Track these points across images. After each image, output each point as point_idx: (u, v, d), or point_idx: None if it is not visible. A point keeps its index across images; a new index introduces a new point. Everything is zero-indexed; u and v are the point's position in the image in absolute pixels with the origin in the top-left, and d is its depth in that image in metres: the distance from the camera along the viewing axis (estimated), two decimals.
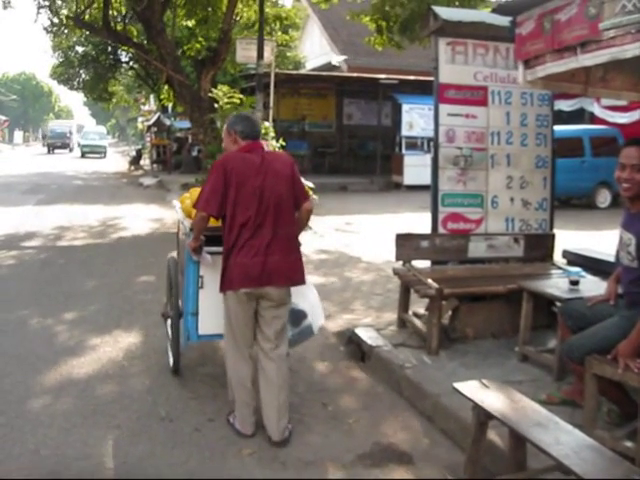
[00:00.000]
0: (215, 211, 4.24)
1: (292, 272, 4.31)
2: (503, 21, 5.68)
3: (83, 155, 49.44)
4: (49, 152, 55.13)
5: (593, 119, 18.95)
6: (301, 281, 4.39)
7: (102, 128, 63.20)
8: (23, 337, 6.35)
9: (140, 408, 4.79)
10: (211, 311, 4.80)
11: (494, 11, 6.18)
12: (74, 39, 30.26)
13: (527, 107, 6.59)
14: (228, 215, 4.24)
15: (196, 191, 5.00)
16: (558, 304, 5.05)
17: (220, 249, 4.37)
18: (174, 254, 6.06)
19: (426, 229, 6.69)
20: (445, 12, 6.42)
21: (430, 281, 5.67)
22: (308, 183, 13.98)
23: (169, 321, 5.41)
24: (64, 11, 22.16)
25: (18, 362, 5.67)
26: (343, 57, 28.16)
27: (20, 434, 4.35)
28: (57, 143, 57.19)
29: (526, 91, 6.46)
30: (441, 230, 6.42)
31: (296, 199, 4.39)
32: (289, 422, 4.36)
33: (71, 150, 58.43)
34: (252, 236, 4.17)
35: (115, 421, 4.58)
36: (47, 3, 21.48)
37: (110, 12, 19.37)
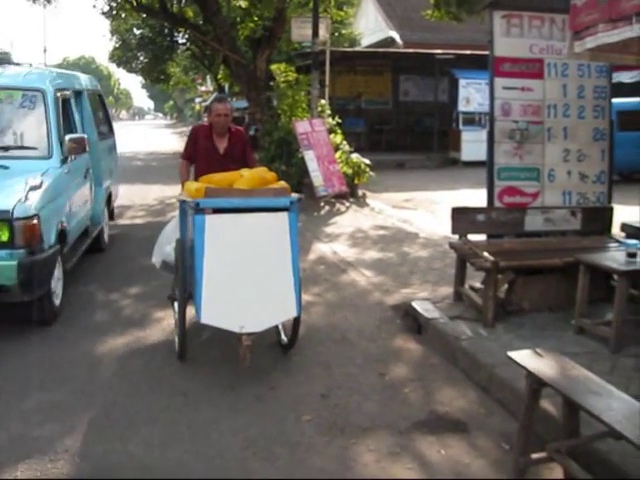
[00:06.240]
0: None
1: None
2: None
3: None
4: None
5: None
6: None
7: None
8: (91, 310, 6.64)
9: (203, 377, 5.00)
10: None
11: None
12: (132, 22, 30.73)
13: (584, 79, 6.53)
14: None
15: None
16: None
17: None
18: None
19: (484, 205, 6.70)
20: None
21: (486, 254, 5.71)
22: (365, 160, 14.10)
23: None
24: None
25: (86, 333, 5.95)
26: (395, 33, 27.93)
27: (90, 398, 4.61)
28: None
29: (583, 63, 6.39)
30: (497, 204, 6.44)
31: None
32: None
33: None
34: None
35: (180, 389, 4.79)
36: None
37: None
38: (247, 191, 5.10)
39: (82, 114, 8.70)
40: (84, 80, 9.70)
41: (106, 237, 9.42)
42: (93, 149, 8.47)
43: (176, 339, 5.39)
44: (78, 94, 8.74)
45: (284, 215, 4.93)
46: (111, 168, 10.24)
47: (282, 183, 5.48)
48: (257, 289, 4.88)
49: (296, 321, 5.17)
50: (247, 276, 4.88)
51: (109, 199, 9.81)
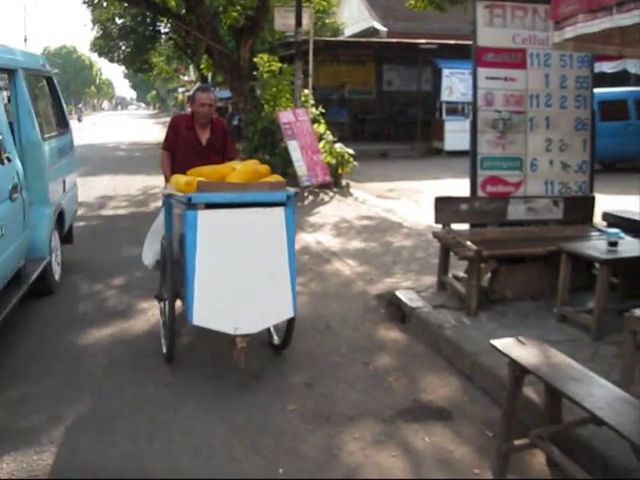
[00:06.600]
0: None
1: None
2: None
3: None
4: None
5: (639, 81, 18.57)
6: None
7: None
8: (75, 301, 6.62)
9: (188, 368, 5.01)
10: None
11: None
12: (113, 11, 30.49)
13: (566, 69, 6.57)
14: None
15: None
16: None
17: None
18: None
19: (467, 194, 6.74)
20: None
21: (469, 243, 5.75)
22: (348, 150, 14.11)
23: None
24: None
25: (70, 324, 5.94)
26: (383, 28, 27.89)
27: (76, 390, 4.62)
28: None
29: (565, 53, 6.43)
30: (480, 193, 6.48)
31: None
32: None
33: None
34: None
35: (165, 379, 4.80)
36: None
37: None
38: (241, 185, 4.81)
39: (16, 103, 6.33)
40: (20, 56, 6.74)
41: (57, 274, 6.92)
42: (32, 153, 6.33)
43: (163, 340, 5.24)
44: (9, 74, 6.32)
45: (280, 210, 4.67)
46: (64, 176, 7.53)
47: (277, 176, 5.22)
48: (252, 288, 4.62)
49: (291, 321, 4.93)
50: (241, 275, 4.62)
51: (61, 219, 7.22)
